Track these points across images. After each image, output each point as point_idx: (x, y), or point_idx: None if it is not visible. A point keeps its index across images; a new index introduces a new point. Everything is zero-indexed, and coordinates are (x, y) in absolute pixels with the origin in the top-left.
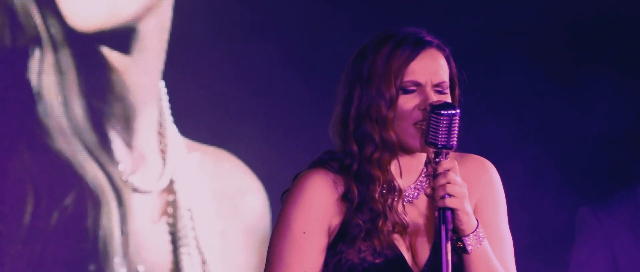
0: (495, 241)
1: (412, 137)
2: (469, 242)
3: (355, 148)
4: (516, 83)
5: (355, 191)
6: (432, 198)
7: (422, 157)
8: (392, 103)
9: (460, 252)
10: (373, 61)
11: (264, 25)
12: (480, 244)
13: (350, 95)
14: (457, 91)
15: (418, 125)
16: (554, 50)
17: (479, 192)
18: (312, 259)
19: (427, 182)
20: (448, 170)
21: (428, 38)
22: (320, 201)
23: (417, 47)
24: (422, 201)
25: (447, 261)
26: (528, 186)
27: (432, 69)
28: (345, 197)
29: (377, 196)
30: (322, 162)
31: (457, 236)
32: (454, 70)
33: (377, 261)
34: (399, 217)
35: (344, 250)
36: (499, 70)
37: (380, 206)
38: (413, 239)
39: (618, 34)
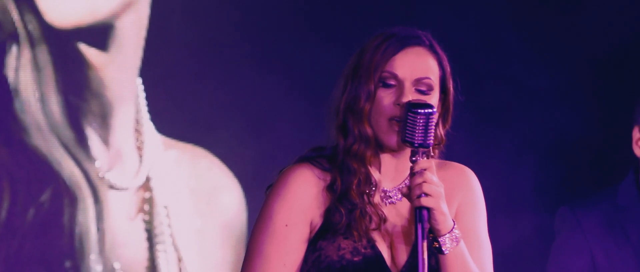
0: (473, 246)
1: (385, 134)
2: (444, 243)
3: (341, 140)
4: (497, 84)
5: (339, 182)
6: (408, 197)
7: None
8: (370, 96)
9: (436, 252)
10: (363, 55)
11: (242, 23)
12: (456, 245)
13: (343, 89)
14: (450, 98)
15: (393, 122)
16: (532, 50)
17: (460, 198)
18: (293, 252)
19: None
20: (424, 169)
21: (422, 37)
22: (303, 195)
23: (404, 42)
24: (405, 204)
25: (423, 259)
26: (508, 185)
27: (414, 65)
28: (330, 188)
29: (355, 188)
30: (308, 158)
31: (433, 236)
32: (448, 75)
33: (356, 259)
34: (375, 209)
35: (324, 247)
36: (476, 73)
37: (358, 199)
38: (394, 240)
39: (592, 37)
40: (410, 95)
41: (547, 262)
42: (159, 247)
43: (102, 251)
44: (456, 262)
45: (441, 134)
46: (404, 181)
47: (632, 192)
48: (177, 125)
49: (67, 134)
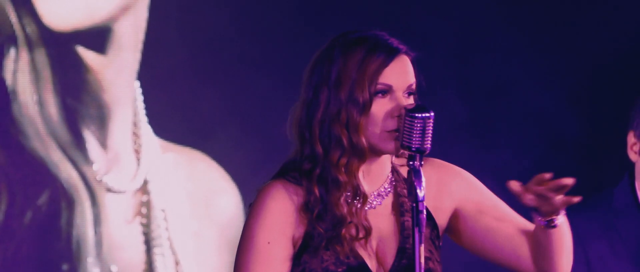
0: (500, 210)
1: (385, 141)
2: (558, 218)
3: (320, 151)
4: (493, 86)
5: (318, 196)
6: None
7: (387, 164)
8: (366, 108)
9: (548, 229)
10: (344, 65)
11: (240, 26)
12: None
13: (315, 98)
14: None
15: (392, 133)
16: (529, 52)
17: (457, 192)
18: (278, 268)
19: (392, 188)
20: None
21: (398, 44)
22: (281, 211)
23: (391, 53)
24: (385, 207)
25: (420, 263)
26: (503, 188)
27: (404, 74)
28: (305, 207)
29: (342, 201)
30: (283, 173)
31: (549, 219)
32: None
33: (339, 269)
34: (362, 221)
35: (308, 260)
36: (475, 69)
37: (344, 211)
38: (377, 245)
39: (590, 41)
40: (404, 103)
41: None
42: (156, 251)
43: (99, 254)
44: (565, 230)
45: None
46: (382, 184)
47: (627, 196)
48: (174, 128)
49: (65, 136)
